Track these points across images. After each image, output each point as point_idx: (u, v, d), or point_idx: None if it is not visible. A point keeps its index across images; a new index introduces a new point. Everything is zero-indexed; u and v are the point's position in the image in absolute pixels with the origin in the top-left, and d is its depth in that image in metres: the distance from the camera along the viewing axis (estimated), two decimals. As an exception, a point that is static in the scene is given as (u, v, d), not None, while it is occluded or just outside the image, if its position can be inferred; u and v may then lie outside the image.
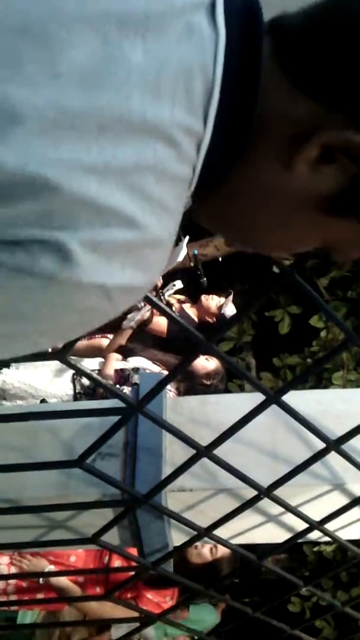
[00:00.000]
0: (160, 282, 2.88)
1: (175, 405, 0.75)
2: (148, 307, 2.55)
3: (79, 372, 0.43)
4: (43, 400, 2.36)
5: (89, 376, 0.43)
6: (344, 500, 0.67)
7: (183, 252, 2.55)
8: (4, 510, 0.61)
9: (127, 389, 2.13)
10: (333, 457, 0.60)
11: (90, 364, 2.58)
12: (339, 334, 3.59)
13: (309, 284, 0.45)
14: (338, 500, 0.68)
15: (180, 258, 2.56)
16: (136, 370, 2.29)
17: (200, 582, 0.71)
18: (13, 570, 1.78)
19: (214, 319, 3.02)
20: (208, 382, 2.36)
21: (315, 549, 3.43)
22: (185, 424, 0.72)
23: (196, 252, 3.14)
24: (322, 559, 3.48)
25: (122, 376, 2.28)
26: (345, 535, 0.73)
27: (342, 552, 3.28)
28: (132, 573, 0.68)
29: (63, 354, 0.43)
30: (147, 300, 0.43)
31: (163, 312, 0.44)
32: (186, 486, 0.65)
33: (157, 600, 1.84)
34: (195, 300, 3.13)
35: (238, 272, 4.33)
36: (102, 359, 2.49)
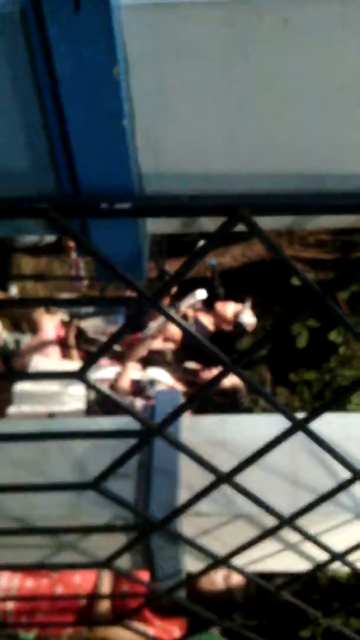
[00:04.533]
0: (174, 291, 2.85)
1: (192, 425, 0.72)
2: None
3: (100, 393, 0.41)
4: (51, 415, 2.34)
5: (109, 398, 0.41)
6: (366, 531, 0.64)
7: None
8: (13, 531, 0.59)
9: (139, 402, 2.11)
10: (356, 485, 0.58)
11: (105, 373, 2.56)
12: (358, 349, 3.54)
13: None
14: (359, 529, 0.65)
15: None
16: (152, 382, 2.26)
17: (210, 607, 0.68)
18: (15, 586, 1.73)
19: (231, 327, 2.96)
20: (220, 400, 2.31)
21: (329, 573, 3.37)
22: (202, 445, 0.69)
23: (214, 262, 3.12)
24: (334, 583, 3.41)
25: (138, 387, 2.25)
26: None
27: (355, 577, 3.22)
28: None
29: (82, 373, 0.41)
30: (165, 315, 0.41)
31: (185, 331, 0.42)
32: (202, 511, 0.63)
33: (165, 628, 1.77)
34: (210, 308, 3.08)
35: (255, 283, 4.31)
36: (118, 369, 2.47)
